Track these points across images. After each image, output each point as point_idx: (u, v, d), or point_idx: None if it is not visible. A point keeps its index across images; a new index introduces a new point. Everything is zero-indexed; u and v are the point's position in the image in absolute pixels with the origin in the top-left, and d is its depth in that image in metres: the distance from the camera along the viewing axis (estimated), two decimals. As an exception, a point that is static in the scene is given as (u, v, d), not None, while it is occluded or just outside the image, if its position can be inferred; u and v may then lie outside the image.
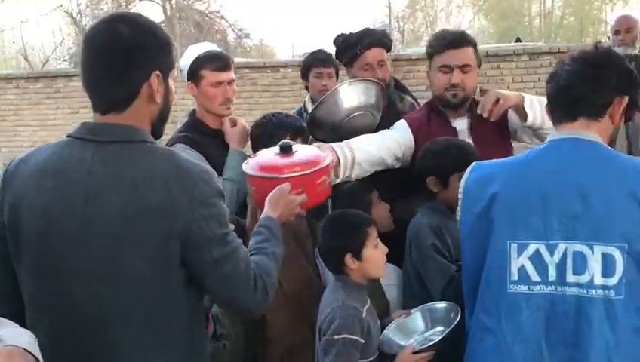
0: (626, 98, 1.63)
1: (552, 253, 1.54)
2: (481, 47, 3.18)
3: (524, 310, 1.58)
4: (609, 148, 1.61)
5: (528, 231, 1.57)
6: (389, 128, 2.59)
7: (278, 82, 9.20)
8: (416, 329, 2.09)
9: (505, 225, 1.60)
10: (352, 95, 2.45)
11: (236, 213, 2.49)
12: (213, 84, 2.55)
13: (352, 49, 2.67)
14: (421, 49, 7.81)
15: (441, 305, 2.08)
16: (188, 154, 2.42)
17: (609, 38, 4.37)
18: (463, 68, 2.40)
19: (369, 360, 1.94)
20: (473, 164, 1.77)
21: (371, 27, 2.75)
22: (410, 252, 2.27)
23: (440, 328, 2.00)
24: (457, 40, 2.43)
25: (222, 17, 18.27)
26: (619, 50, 4.32)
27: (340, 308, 1.91)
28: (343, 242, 2.00)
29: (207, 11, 18.25)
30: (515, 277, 1.59)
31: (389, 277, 2.39)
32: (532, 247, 1.56)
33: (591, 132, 1.60)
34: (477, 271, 1.68)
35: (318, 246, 2.17)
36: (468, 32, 2.78)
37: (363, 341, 1.90)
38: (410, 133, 2.47)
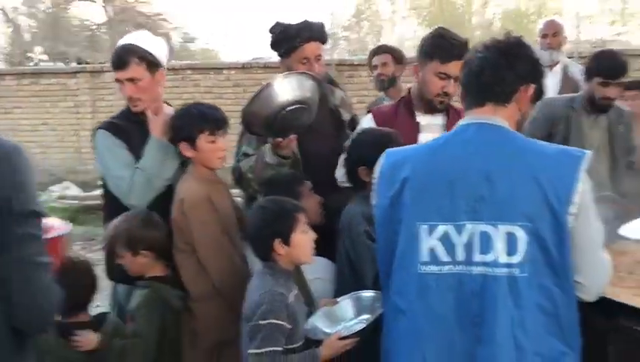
0: (532, 86, 1.70)
1: (459, 234, 1.60)
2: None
3: (435, 290, 1.62)
4: (514, 132, 1.67)
5: (437, 213, 1.62)
6: (323, 122, 2.60)
7: (221, 84, 9.14)
8: (344, 317, 2.11)
9: (415, 207, 1.65)
10: (286, 88, 2.45)
11: (152, 204, 2.45)
12: (117, 81, 2.53)
13: (291, 41, 2.68)
14: (364, 56, 7.93)
15: (368, 294, 2.11)
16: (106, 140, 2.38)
17: (537, 41, 4.54)
18: (456, 78, 2.46)
19: (295, 346, 1.94)
20: (387, 150, 1.80)
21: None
22: (343, 240, 2.28)
23: (366, 316, 2.02)
24: (464, 52, 2.46)
25: (165, 20, 17.99)
26: (546, 53, 4.50)
27: (267, 294, 1.92)
28: (271, 227, 2.00)
29: (150, 13, 17.92)
30: (426, 258, 1.63)
31: (320, 271, 2.39)
32: (441, 228, 1.61)
33: (497, 117, 1.66)
34: (390, 255, 1.71)
35: (246, 234, 2.16)
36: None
37: (290, 326, 1.90)
38: (375, 125, 2.57)
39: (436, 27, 2.66)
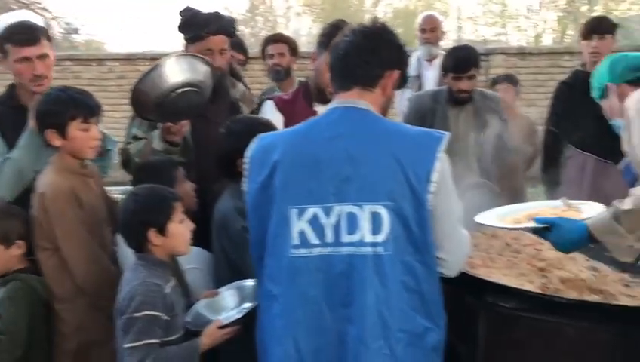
0: (397, 72, 1.74)
1: (328, 216, 1.61)
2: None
3: (305, 273, 1.62)
4: (378, 115, 1.70)
5: (306, 196, 1.62)
6: (221, 115, 2.60)
7: (103, 76, 8.71)
8: (226, 306, 2.06)
9: (285, 191, 1.64)
10: (176, 70, 2.36)
11: (18, 198, 2.31)
12: (18, 60, 2.36)
13: (198, 29, 2.62)
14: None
15: (249, 282, 2.07)
16: None
17: (416, 36, 4.67)
18: None
19: (174, 337, 1.86)
20: (259, 135, 1.78)
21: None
22: (219, 238, 2.19)
23: (248, 304, 1.98)
24: None
25: (44, 9, 16.95)
26: (424, 47, 4.64)
27: (140, 286, 1.83)
28: (146, 216, 1.89)
29: (26, 1, 16.82)
30: (296, 242, 1.63)
31: (195, 261, 2.31)
32: (310, 211, 1.62)
33: (363, 100, 1.69)
34: (262, 240, 1.70)
35: (118, 226, 2.03)
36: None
37: (167, 318, 1.82)
38: (278, 111, 2.59)
39: (337, 19, 2.70)
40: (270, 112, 2.65)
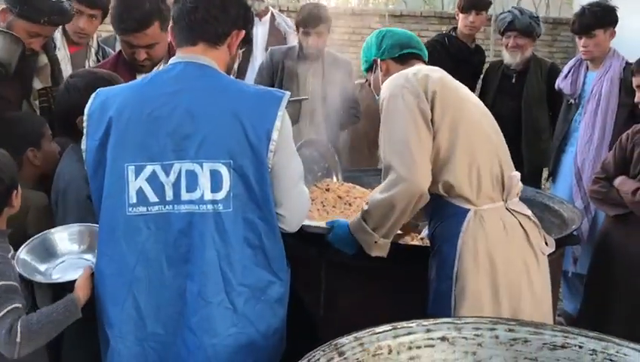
0: (243, 32, 1.75)
1: (167, 173, 1.60)
2: None
3: (144, 230, 1.62)
4: (220, 72, 1.70)
5: (144, 153, 1.60)
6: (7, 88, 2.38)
7: None
8: (61, 251, 1.91)
9: (121, 148, 1.61)
10: None
11: None
12: None
13: (38, 15, 2.34)
14: None
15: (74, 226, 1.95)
16: None
17: None
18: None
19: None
20: (98, 90, 1.71)
21: None
22: (61, 205, 2.06)
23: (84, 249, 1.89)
24: None
25: None
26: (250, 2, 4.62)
27: None
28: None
29: None
30: (134, 200, 1.61)
31: None
32: (149, 169, 1.60)
33: (207, 57, 1.67)
34: (101, 201, 1.66)
35: None
36: None
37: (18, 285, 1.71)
38: None
39: None
40: None
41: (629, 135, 2.80)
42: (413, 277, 2.08)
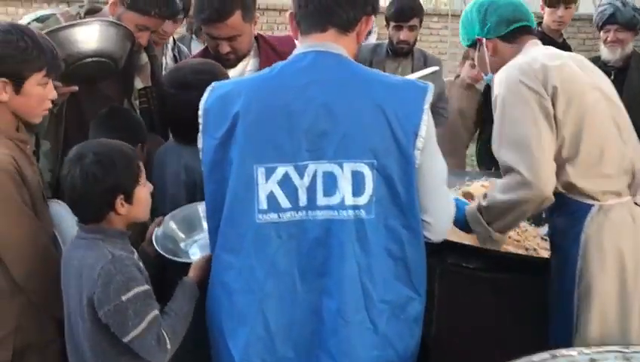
0: (372, 19, 1.56)
1: (301, 176, 1.43)
2: None
3: (275, 240, 1.44)
4: (353, 61, 1.52)
5: (276, 153, 1.43)
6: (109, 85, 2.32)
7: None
8: (179, 236, 1.84)
9: (251, 147, 1.44)
10: (95, 37, 2.08)
11: None
12: None
13: (149, 6, 2.25)
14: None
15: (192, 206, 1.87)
16: None
17: None
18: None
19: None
20: (213, 83, 1.54)
21: None
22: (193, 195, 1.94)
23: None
24: None
25: None
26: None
27: (112, 263, 1.52)
28: (115, 182, 1.56)
29: None
30: (264, 206, 1.44)
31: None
32: (280, 170, 1.43)
33: (338, 45, 1.49)
34: (221, 205, 1.48)
35: (68, 195, 1.64)
36: None
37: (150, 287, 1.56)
38: None
39: None
40: None
41: None
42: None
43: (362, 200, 1.42)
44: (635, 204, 1.82)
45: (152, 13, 2.19)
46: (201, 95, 1.54)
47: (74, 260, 1.58)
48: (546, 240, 2.66)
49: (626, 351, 1.38)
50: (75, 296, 1.56)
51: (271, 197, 1.43)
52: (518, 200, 1.76)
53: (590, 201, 1.79)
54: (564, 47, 3.83)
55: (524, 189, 1.73)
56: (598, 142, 1.79)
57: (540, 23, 3.77)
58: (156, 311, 1.53)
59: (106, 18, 2.19)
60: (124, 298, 1.48)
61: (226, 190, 1.46)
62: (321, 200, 1.43)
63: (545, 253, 2.48)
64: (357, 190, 1.42)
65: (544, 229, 2.53)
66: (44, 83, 1.76)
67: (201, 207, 1.81)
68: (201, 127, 1.50)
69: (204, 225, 1.74)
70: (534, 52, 1.91)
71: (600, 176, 1.80)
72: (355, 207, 1.42)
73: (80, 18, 2.26)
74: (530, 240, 2.65)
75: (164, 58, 2.99)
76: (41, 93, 1.76)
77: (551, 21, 3.70)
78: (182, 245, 1.81)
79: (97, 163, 1.55)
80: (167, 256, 1.71)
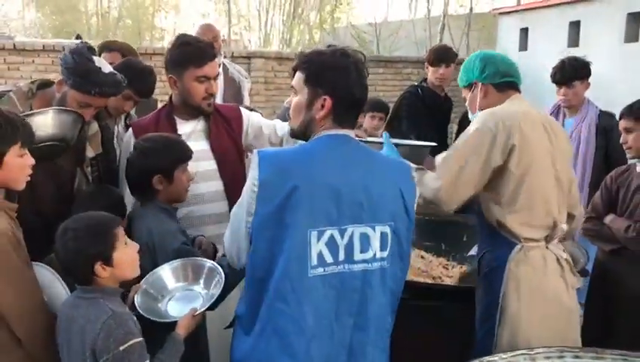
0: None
1: (342, 236, 1.77)
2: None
3: (320, 289, 1.76)
4: (366, 146, 1.93)
5: (325, 219, 1.74)
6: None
7: None
8: (168, 288, 2.08)
9: (306, 215, 1.72)
10: (49, 124, 2.28)
11: None
12: None
13: (95, 87, 2.43)
14: None
15: (176, 262, 2.09)
16: None
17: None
18: (215, 77, 2.62)
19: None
20: (259, 155, 1.77)
21: None
22: (160, 257, 2.15)
23: (215, 290, 2.02)
24: (214, 52, 2.63)
25: None
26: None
27: (113, 318, 1.77)
28: (90, 251, 1.78)
29: None
30: (315, 263, 1.74)
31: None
32: (328, 233, 1.75)
33: (352, 131, 1.89)
34: (272, 261, 1.73)
35: (60, 262, 1.86)
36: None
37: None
38: (134, 139, 2.47)
39: (177, 36, 2.69)
40: (127, 140, 2.65)
41: (613, 177, 3.11)
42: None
43: (385, 253, 1.83)
44: (547, 248, 2.29)
45: (92, 92, 2.38)
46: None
47: (79, 318, 1.81)
48: (447, 268, 3.10)
49: (531, 352, 1.89)
50: (78, 349, 1.79)
51: (319, 255, 1.75)
52: (428, 195, 2.25)
53: (515, 240, 2.26)
54: (447, 100, 4.37)
55: (438, 194, 2.22)
56: (532, 200, 2.23)
57: (425, 79, 4.28)
58: (147, 361, 1.80)
59: (58, 107, 2.36)
60: (121, 348, 1.73)
61: (276, 248, 1.73)
62: (357, 255, 1.79)
63: (448, 280, 2.92)
64: (383, 246, 1.82)
65: (444, 259, 3.08)
66: (21, 154, 1.94)
67: (162, 272, 2.09)
68: (255, 194, 1.74)
69: (169, 285, 2.08)
70: (515, 107, 2.33)
71: (528, 225, 2.27)
72: (382, 259, 1.83)
73: (32, 94, 2.46)
74: (434, 269, 3.05)
75: (116, 127, 3.09)
76: (21, 163, 1.95)
77: (434, 78, 4.20)
78: (159, 305, 2.05)
79: (74, 238, 1.80)
80: (152, 318, 1.95)
